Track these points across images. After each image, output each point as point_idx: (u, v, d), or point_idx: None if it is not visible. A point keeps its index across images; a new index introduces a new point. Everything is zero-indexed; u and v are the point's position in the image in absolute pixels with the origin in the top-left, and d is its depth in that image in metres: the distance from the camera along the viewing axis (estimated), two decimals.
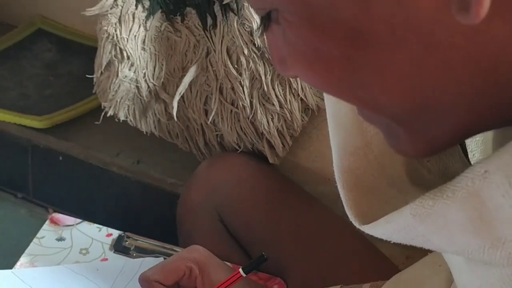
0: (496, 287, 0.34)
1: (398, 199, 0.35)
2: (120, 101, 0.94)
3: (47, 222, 0.81)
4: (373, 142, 0.43)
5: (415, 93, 0.32)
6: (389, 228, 0.36)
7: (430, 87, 0.32)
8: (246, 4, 0.84)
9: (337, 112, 0.45)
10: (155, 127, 0.98)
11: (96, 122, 0.98)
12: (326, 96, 0.45)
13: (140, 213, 1.14)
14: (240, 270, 0.65)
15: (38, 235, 0.79)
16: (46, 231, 0.80)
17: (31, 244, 0.78)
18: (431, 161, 0.44)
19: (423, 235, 0.34)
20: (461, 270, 0.39)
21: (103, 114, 0.96)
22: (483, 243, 0.32)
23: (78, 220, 0.82)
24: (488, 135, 0.43)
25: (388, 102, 0.33)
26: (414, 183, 0.44)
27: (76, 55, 1.41)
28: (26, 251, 0.77)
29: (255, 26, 0.84)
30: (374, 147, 0.43)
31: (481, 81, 0.31)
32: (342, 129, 0.44)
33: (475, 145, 0.45)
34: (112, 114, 0.95)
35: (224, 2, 0.85)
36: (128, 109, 0.96)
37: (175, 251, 0.82)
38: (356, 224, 0.40)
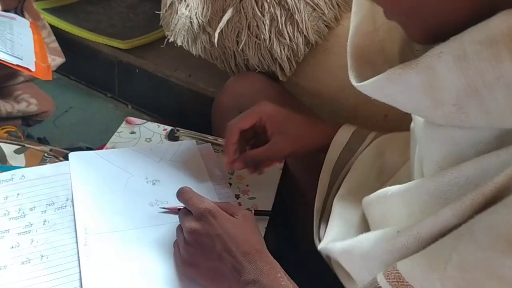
0: (440, 141, 0.36)
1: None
2: (178, 31, 0.93)
3: (124, 122, 0.81)
4: (380, 29, 0.42)
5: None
6: (371, 87, 0.37)
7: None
8: None
9: (359, 2, 0.43)
10: (202, 51, 0.96)
11: (162, 46, 0.98)
12: None
13: (189, 111, 1.14)
14: None
15: (118, 130, 0.79)
16: (123, 128, 0.79)
17: (113, 136, 0.78)
18: (419, 50, 0.43)
19: (392, 94, 0.35)
20: (421, 129, 0.40)
21: (166, 40, 0.95)
22: (430, 103, 0.33)
23: (144, 121, 0.81)
24: None
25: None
26: (401, 63, 0.44)
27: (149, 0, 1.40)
28: (110, 140, 0.77)
29: None
30: (380, 33, 0.42)
31: None
32: (360, 15, 0.43)
33: None
34: (172, 41, 0.95)
35: None
36: (183, 38, 0.94)
37: (208, 138, 0.80)
38: (353, 81, 0.40)
